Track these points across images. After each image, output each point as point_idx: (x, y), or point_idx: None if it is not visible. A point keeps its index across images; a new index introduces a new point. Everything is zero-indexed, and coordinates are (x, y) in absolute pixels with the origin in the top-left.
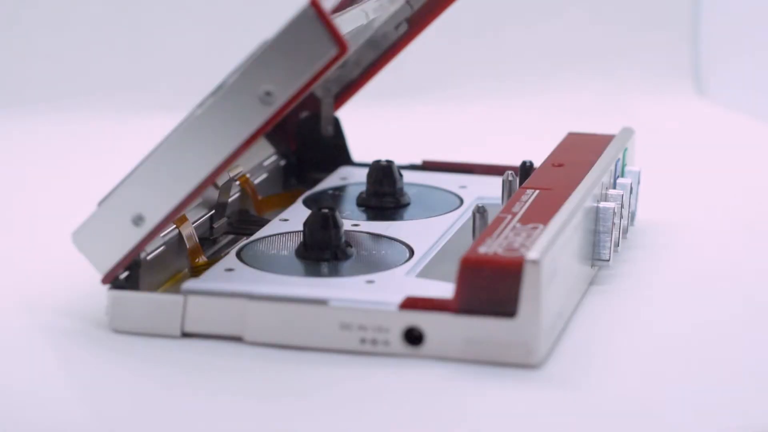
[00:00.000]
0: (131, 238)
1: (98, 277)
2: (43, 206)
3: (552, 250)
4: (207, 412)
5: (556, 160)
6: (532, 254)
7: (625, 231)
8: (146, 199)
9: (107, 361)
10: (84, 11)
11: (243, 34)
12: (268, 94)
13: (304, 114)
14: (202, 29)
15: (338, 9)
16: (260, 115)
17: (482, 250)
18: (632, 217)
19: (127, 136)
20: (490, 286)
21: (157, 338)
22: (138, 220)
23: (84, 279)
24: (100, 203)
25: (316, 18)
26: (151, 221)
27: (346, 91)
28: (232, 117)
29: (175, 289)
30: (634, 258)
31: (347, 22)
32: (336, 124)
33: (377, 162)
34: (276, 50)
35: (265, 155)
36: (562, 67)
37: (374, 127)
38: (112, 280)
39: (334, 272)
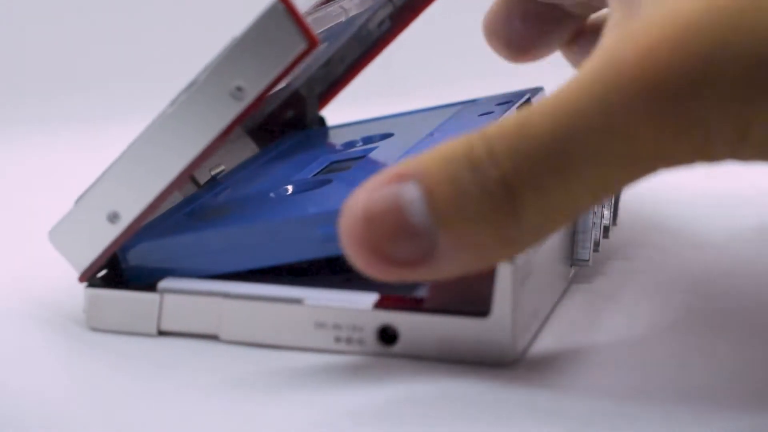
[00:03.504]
0: (107, 235)
1: (76, 275)
2: (22, 204)
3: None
4: (182, 410)
5: None
6: None
7: (607, 231)
8: (121, 197)
9: (83, 359)
10: (78, 10)
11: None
12: (239, 89)
13: (289, 113)
14: (202, 29)
15: (317, 5)
16: (232, 110)
17: None
18: (614, 217)
19: (118, 138)
20: (463, 285)
21: (134, 336)
22: (113, 218)
23: (63, 277)
24: (77, 201)
25: (285, 13)
26: (127, 218)
27: (331, 89)
28: (204, 112)
29: (152, 287)
30: (614, 258)
31: (324, 19)
32: (322, 123)
33: None
34: (246, 46)
35: (249, 155)
36: (561, 66)
37: None
38: (89, 278)
39: (311, 271)
